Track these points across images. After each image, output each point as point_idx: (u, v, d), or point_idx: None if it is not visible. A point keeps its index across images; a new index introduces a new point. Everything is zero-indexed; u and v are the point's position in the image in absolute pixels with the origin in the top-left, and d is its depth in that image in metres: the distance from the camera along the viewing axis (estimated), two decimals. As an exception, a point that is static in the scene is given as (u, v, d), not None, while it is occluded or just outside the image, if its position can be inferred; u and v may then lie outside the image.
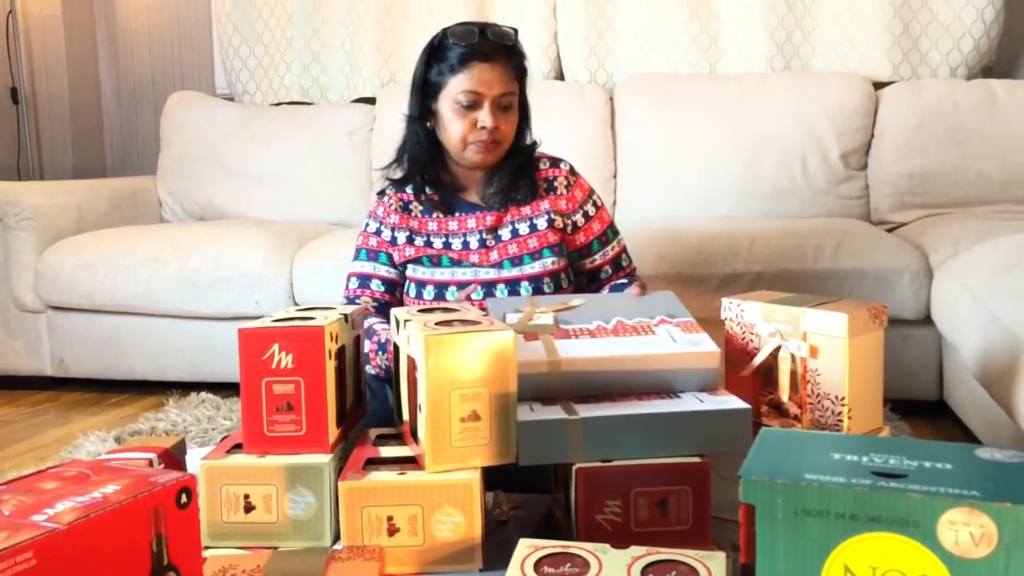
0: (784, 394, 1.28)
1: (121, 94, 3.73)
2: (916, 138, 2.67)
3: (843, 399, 1.21)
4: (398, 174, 1.69)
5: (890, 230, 2.58)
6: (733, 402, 1.16)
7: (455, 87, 1.56)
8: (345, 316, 1.26)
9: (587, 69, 3.08)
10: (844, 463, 0.78)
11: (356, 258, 1.70)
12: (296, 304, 2.50)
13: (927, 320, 2.14)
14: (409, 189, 1.69)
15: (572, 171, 1.71)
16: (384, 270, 1.67)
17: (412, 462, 1.16)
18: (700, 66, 3.00)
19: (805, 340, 1.24)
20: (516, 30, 1.61)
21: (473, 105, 1.56)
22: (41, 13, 3.54)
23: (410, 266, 1.66)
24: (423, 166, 1.66)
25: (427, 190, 1.67)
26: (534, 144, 1.70)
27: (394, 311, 1.29)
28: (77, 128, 3.62)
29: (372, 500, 1.10)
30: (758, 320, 1.30)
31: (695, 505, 1.11)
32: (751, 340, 1.31)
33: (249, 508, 1.15)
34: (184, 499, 0.86)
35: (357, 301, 1.65)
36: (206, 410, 2.31)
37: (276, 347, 1.15)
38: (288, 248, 2.56)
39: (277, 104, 3.37)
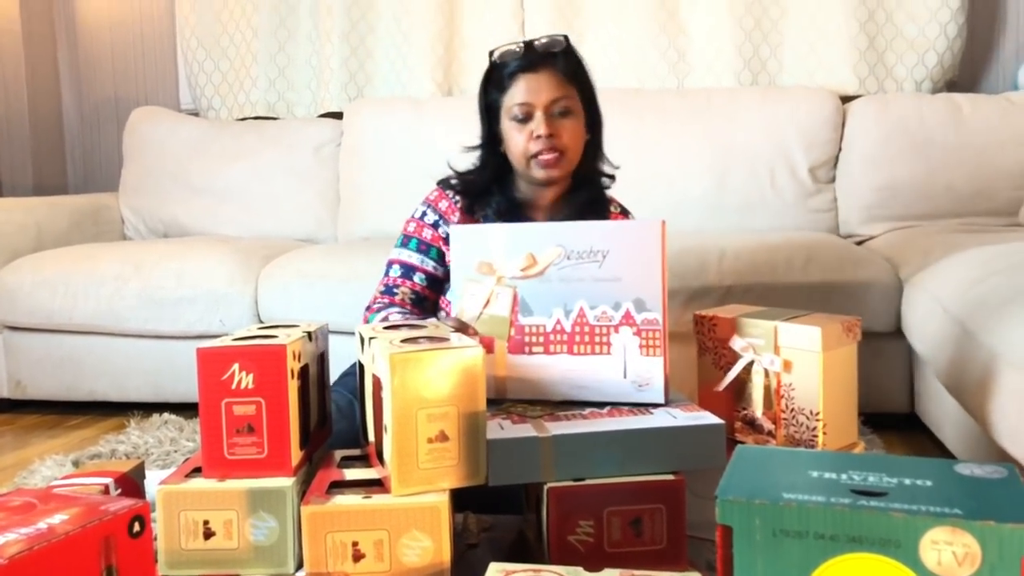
0: (758, 410, 1.26)
1: (83, 109, 3.66)
2: (884, 151, 2.68)
3: (818, 414, 1.19)
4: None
5: (859, 243, 2.59)
6: (707, 418, 1.14)
7: (508, 103, 1.58)
8: (309, 334, 1.22)
9: (556, 84, 3.06)
10: (822, 481, 0.76)
11: (404, 245, 1.65)
12: (261, 322, 2.45)
13: (898, 333, 2.14)
14: None
15: None
16: (432, 265, 1.63)
17: (378, 485, 1.13)
18: (668, 81, 3.01)
19: (778, 355, 1.22)
20: (566, 36, 1.61)
21: (527, 117, 1.56)
22: (-1, 27, 3.48)
23: None
24: (489, 188, 1.64)
25: (493, 205, 1.64)
26: (611, 176, 1.72)
27: (359, 328, 1.26)
28: (37, 145, 3.54)
29: (336, 525, 1.06)
30: (730, 335, 1.28)
31: (670, 524, 1.08)
32: (723, 355, 1.29)
33: (209, 534, 1.10)
34: (137, 528, 0.82)
35: (395, 290, 1.62)
36: (168, 432, 2.25)
37: (236, 367, 1.11)
38: (253, 265, 2.52)
39: (243, 119, 3.33)
